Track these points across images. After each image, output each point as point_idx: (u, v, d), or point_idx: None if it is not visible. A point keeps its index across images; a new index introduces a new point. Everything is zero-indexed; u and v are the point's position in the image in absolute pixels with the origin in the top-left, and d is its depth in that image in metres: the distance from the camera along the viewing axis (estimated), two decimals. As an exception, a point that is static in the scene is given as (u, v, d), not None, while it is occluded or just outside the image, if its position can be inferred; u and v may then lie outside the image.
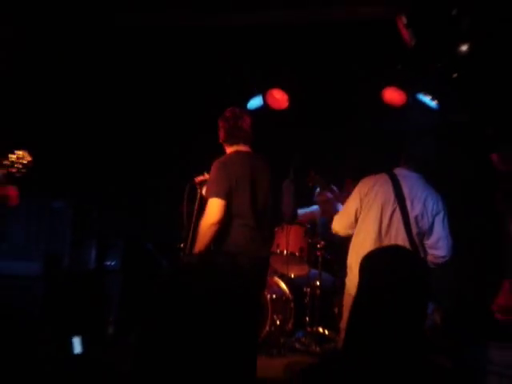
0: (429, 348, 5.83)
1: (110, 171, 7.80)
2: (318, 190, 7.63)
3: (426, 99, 6.99)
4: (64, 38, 6.89)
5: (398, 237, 5.19)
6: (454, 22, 5.86)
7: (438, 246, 5.16)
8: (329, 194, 7.45)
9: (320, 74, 7.19)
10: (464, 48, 6.00)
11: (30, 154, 5.34)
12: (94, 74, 7.51)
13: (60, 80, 7.18)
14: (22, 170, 5.34)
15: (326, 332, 6.79)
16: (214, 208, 5.35)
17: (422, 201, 5.14)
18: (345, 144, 7.98)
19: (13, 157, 5.28)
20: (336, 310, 6.92)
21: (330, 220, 6.59)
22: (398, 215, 5.23)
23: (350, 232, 5.38)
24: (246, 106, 7.60)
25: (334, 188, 7.01)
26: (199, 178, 5.87)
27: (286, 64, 7.39)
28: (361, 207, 5.32)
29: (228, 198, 5.32)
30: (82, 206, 7.36)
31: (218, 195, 5.29)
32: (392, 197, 5.23)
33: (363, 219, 5.29)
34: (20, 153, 5.29)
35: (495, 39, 6.06)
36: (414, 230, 5.17)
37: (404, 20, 5.91)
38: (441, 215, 5.15)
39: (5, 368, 4.55)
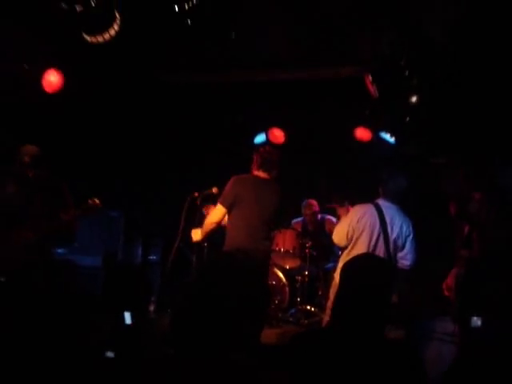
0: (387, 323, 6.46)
1: (154, 189, 7.96)
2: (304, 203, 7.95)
3: (386, 136, 7.17)
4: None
5: (380, 252, 5.65)
6: (407, 80, 6.25)
7: (406, 258, 5.69)
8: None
9: (309, 118, 7.33)
10: (414, 99, 6.37)
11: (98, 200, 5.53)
12: (136, 111, 7.43)
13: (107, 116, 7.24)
14: (93, 214, 5.64)
15: (312, 309, 7.35)
16: (217, 211, 5.81)
17: (399, 226, 5.64)
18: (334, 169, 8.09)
19: (89, 203, 5.51)
20: (319, 292, 7.56)
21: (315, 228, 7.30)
22: (381, 237, 5.68)
23: (345, 244, 5.79)
24: (253, 140, 7.81)
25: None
26: (197, 193, 6.25)
27: (284, 110, 7.49)
28: (352, 231, 5.71)
29: (230, 207, 5.72)
30: (131, 214, 7.80)
31: (222, 203, 5.72)
32: (378, 224, 5.68)
33: (356, 240, 5.72)
34: (96, 201, 5.54)
35: (437, 92, 6.40)
36: (392, 247, 5.69)
37: (370, 78, 6.35)
38: (411, 236, 5.67)
39: (74, 332, 4.82)
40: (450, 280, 5.76)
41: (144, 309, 6.74)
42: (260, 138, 7.84)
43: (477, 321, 5.67)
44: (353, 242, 5.79)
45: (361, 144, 7.45)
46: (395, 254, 5.81)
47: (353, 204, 6.29)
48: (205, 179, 6.75)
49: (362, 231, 5.69)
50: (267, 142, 7.78)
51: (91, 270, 6.75)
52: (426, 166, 7.34)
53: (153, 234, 8.14)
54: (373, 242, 5.71)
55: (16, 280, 5.07)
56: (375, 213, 5.75)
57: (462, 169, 6.31)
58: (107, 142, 7.07)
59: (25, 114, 6.04)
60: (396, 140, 7.15)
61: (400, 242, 5.72)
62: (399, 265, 5.76)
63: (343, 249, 6.00)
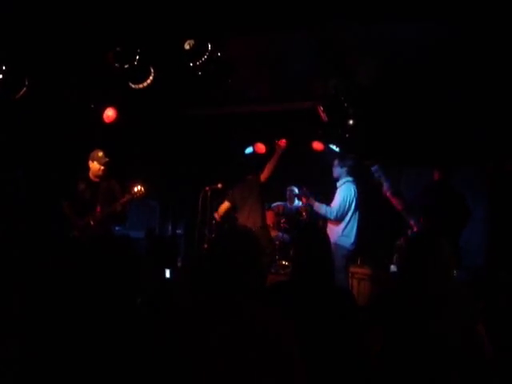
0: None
1: (179, 185, 7.89)
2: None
3: (334, 147, 7.08)
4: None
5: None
6: (346, 109, 6.18)
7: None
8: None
9: (283, 135, 6.76)
10: (351, 122, 6.28)
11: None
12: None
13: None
14: (140, 197, 5.48)
15: (287, 263, 7.09)
16: (224, 205, 6.17)
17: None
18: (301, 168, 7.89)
19: (137, 189, 5.40)
20: (291, 252, 7.26)
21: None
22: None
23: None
24: (244, 152, 7.67)
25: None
26: (208, 188, 6.39)
27: (265, 131, 7.44)
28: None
29: (232, 202, 6.03)
30: (164, 202, 7.87)
31: (228, 200, 6.10)
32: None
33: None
34: (140, 187, 5.40)
35: (365, 117, 6.39)
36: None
37: (321, 108, 6.28)
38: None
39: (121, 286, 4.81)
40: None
41: (174, 266, 6.49)
42: (248, 150, 7.73)
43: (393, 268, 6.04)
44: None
45: (316, 152, 7.40)
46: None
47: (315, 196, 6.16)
48: (213, 178, 6.82)
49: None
50: (253, 152, 7.75)
51: (138, 241, 6.68)
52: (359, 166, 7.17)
53: (179, 215, 8.10)
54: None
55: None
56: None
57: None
58: (149, 156, 7.04)
59: (91, 137, 6.04)
60: (340, 149, 7.03)
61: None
62: None
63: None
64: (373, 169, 5.51)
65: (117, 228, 6.44)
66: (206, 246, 6.48)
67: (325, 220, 6.08)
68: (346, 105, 6.22)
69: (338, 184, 6.05)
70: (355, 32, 4.98)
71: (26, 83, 5.18)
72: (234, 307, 1.94)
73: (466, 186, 6.10)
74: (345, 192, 5.88)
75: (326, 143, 7.22)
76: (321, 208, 5.93)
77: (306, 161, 7.67)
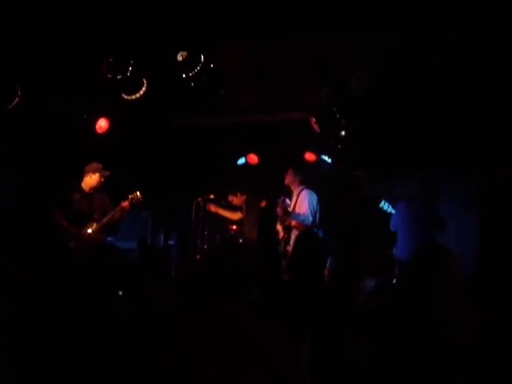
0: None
1: (171, 197, 7.84)
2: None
3: (325, 158, 7.04)
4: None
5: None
6: (338, 121, 6.21)
7: None
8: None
9: (275, 146, 7.23)
10: (343, 133, 6.30)
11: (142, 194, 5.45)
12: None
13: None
14: (137, 204, 5.49)
15: None
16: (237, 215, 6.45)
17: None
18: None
19: (134, 195, 5.43)
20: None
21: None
22: None
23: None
24: (236, 162, 7.74)
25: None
26: (200, 198, 6.48)
27: (257, 141, 7.42)
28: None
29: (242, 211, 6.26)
30: (156, 214, 7.87)
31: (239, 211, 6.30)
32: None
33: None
34: (138, 194, 5.44)
35: (357, 129, 6.36)
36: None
37: (314, 119, 6.27)
38: None
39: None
40: None
41: (166, 276, 6.46)
42: (241, 161, 7.73)
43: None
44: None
45: (309, 163, 7.37)
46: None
47: None
48: (204, 189, 6.88)
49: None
50: (246, 163, 7.75)
51: (130, 252, 6.67)
52: (350, 177, 7.38)
53: (170, 226, 8.10)
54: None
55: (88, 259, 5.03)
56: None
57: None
58: (141, 166, 7.08)
59: (83, 147, 6.00)
60: (332, 160, 7.07)
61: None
62: None
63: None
64: None
65: (109, 239, 6.33)
66: (198, 256, 6.45)
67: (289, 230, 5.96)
68: (338, 116, 6.24)
69: (295, 192, 6.09)
70: (347, 41, 5.07)
71: (19, 93, 5.18)
72: (230, 320, 1.91)
73: (457, 194, 6.21)
74: (309, 197, 5.94)
75: (318, 154, 7.21)
76: (298, 216, 5.92)
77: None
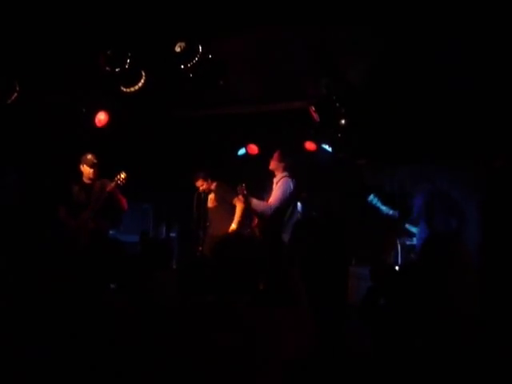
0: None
1: (172, 188, 7.67)
2: None
3: (326, 147, 7.01)
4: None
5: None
6: (337, 109, 6.10)
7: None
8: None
9: (275, 136, 7.12)
10: (343, 122, 6.23)
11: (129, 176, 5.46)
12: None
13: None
14: (123, 183, 5.50)
15: None
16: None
17: None
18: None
19: (119, 177, 5.48)
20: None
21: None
22: None
23: None
24: (236, 152, 7.73)
25: None
26: (201, 188, 6.40)
27: (257, 132, 7.40)
28: None
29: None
30: (157, 206, 7.78)
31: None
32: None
33: None
34: (121, 173, 5.49)
35: (357, 117, 6.27)
36: None
37: (313, 108, 6.22)
38: None
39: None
40: None
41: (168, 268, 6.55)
42: (242, 151, 7.69)
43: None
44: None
45: (309, 152, 7.35)
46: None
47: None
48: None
49: None
50: (246, 153, 7.71)
51: (132, 245, 6.29)
52: (352, 166, 7.35)
53: (172, 218, 8.07)
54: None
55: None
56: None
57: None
58: (141, 158, 7.05)
59: (83, 141, 6.01)
60: (333, 149, 7.01)
61: None
62: None
63: None
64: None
65: (111, 232, 6.39)
66: (200, 248, 6.44)
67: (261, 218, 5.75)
68: (337, 104, 6.18)
69: (275, 179, 5.80)
70: (346, 31, 5.03)
71: (17, 88, 5.18)
72: (235, 312, 1.91)
73: (457, 182, 6.16)
74: (284, 187, 5.63)
75: (318, 143, 7.18)
76: (259, 205, 5.62)
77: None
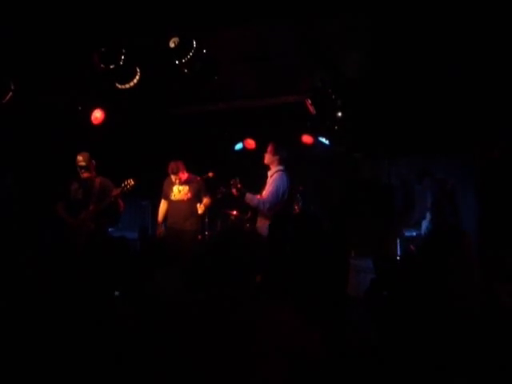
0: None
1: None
2: None
3: (323, 140, 7.02)
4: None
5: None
6: (333, 102, 6.21)
7: None
8: None
9: (272, 130, 6.95)
10: (339, 114, 6.27)
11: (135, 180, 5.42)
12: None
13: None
14: (129, 191, 5.48)
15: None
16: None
17: None
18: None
19: (126, 182, 5.41)
20: None
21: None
22: None
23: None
24: (234, 147, 7.70)
25: None
26: (199, 178, 6.20)
27: (254, 126, 7.35)
28: None
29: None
30: (155, 203, 7.08)
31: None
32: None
33: None
34: (130, 180, 5.42)
35: (353, 109, 6.34)
36: None
37: (309, 101, 6.28)
38: None
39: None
40: None
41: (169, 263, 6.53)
42: (239, 146, 7.66)
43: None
44: None
45: (306, 145, 7.34)
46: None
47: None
48: (204, 171, 6.58)
49: None
50: (243, 148, 7.69)
51: (131, 241, 6.58)
52: (348, 159, 7.36)
53: None
54: None
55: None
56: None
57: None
58: (138, 155, 7.06)
59: (79, 137, 6.00)
60: (329, 142, 7.01)
61: None
62: None
63: None
64: None
65: (110, 229, 6.37)
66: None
67: (255, 213, 5.66)
68: (333, 97, 6.24)
69: (270, 173, 5.64)
70: (340, 23, 5.01)
71: (12, 88, 5.16)
72: (236, 308, 1.89)
73: (455, 173, 6.15)
74: (278, 181, 5.47)
75: (315, 136, 7.16)
76: (253, 199, 5.47)
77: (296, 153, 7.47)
